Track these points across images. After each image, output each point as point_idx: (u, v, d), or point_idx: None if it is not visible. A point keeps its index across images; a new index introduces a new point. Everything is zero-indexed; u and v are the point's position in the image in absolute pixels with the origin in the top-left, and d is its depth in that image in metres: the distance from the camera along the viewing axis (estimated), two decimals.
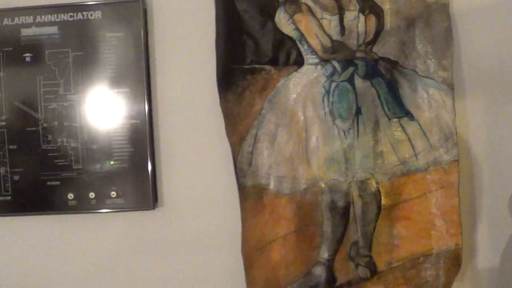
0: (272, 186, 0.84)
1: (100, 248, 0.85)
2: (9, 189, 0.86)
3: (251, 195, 0.84)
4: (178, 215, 0.84)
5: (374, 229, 0.84)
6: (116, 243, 0.85)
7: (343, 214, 0.85)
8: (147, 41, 0.85)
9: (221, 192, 0.84)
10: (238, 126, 0.84)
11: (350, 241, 0.84)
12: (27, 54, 0.86)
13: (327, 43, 0.85)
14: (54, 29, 0.85)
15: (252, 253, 0.83)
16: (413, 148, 0.84)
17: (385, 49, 0.85)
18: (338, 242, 0.85)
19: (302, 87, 0.85)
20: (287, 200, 0.84)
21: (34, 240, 0.86)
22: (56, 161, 0.85)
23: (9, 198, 0.86)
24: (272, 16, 0.85)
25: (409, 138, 0.85)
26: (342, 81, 0.85)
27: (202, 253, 0.84)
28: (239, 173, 0.83)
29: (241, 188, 0.83)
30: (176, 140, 0.85)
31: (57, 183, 0.85)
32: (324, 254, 0.84)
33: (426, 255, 0.83)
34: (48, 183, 0.85)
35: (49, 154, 0.85)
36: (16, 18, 0.86)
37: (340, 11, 0.86)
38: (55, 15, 0.86)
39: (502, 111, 0.83)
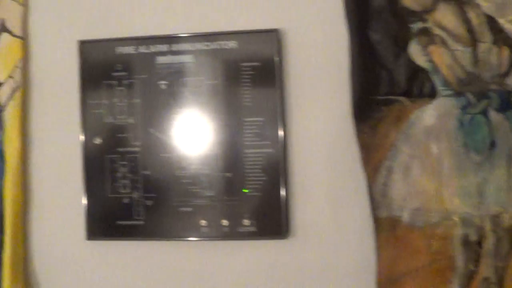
0: (405, 218, 0.89)
1: (231, 276, 0.92)
2: (142, 214, 0.92)
3: (385, 226, 0.89)
4: (311, 245, 0.90)
5: (507, 265, 0.88)
6: (247, 272, 0.92)
7: (475, 248, 0.88)
8: (282, 71, 0.90)
9: (354, 223, 0.90)
10: (372, 157, 0.89)
11: (482, 276, 0.88)
12: (162, 82, 0.92)
13: (461, 75, 0.89)
14: (189, 58, 0.92)
15: (386, 285, 0.88)
16: None
17: None
18: (469, 277, 0.89)
19: (435, 119, 0.90)
20: (420, 233, 0.89)
21: (164, 265, 0.94)
22: (189, 187, 0.92)
23: (141, 222, 0.93)
24: (405, 47, 0.90)
25: None
26: (476, 113, 0.89)
27: (334, 285, 0.89)
28: (374, 205, 0.88)
29: (376, 219, 0.88)
30: (309, 170, 0.92)
31: (190, 209, 0.92)
32: None
33: None
34: (181, 209, 0.92)
35: (182, 181, 0.92)
36: (152, 46, 0.92)
37: (474, 43, 0.90)
38: (191, 44, 0.91)
39: None
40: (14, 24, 1.00)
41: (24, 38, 1.00)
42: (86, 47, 0.98)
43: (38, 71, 1.00)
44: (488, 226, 0.92)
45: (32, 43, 1.00)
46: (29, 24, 1.00)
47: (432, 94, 0.92)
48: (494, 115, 0.92)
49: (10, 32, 1.00)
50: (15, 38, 1.00)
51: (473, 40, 0.93)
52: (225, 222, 0.94)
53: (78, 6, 0.99)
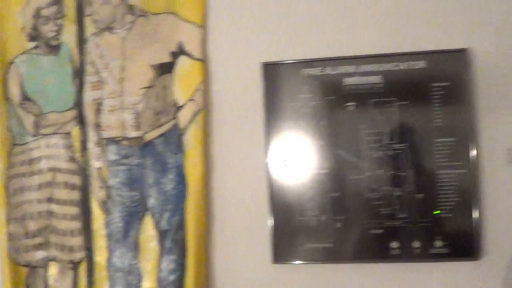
0: None
1: None
2: (330, 236, 0.95)
3: None
4: (503, 267, 0.94)
5: None
6: None
7: None
8: (472, 91, 0.93)
9: None
10: None
11: None
12: (350, 103, 0.96)
13: None
14: (377, 78, 0.96)
15: None
16: None
17: None
18: None
19: None
20: None
21: None
22: (380, 209, 0.96)
23: (330, 245, 0.96)
24: None
25: None
26: None
27: None
28: None
29: None
30: (503, 190, 0.97)
31: (381, 231, 0.96)
32: None
33: None
34: (371, 231, 0.96)
35: (372, 203, 0.95)
36: (338, 68, 0.96)
37: None
38: (379, 64, 0.95)
39: None
40: (193, 47, 1.05)
41: (203, 61, 1.03)
42: (270, 69, 1.03)
43: (219, 94, 1.05)
44: None
45: (212, 65, 1.03)
46: (208, 46, 1.03)
47: None
48: None
49: (189, 55, 1.04)
50: (194, 61, 1.04)
51: None
52: (416, 244, 0.98)
53: (260, 28, 1.04)
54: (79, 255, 1.11)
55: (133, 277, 1.08)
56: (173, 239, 1.06)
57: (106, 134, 1.09)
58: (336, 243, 1.01)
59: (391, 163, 1.00)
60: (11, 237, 1.12)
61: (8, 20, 1.13)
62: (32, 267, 1.13)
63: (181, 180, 1.06)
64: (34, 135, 1.13)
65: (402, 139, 1.00)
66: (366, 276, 1.02)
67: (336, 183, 1.01)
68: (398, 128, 1.01)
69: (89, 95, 1.10)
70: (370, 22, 1.02)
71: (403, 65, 1.00)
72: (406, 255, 0.99)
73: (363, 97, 1.01)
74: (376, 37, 1.02)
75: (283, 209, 1.02)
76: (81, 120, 1.10)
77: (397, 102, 1.00)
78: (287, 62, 1.03)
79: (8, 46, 1.13)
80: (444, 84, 1.00)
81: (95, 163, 1.10)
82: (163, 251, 1.07)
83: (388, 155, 1.01)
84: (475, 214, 0.98)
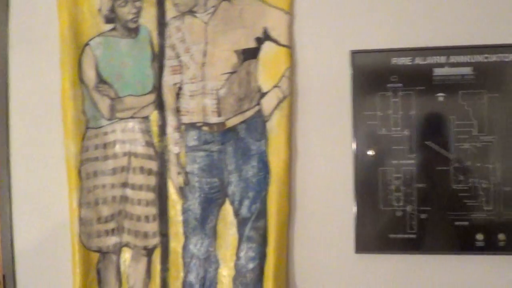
0: None
1: None
2: (415, 227, 0.96)
3: None
4: None
5: None
6: None
7: None
8: None
9: None
10: None
11: None
12: (440, 94, 0.97)
13: None
14: (468, 70, 0.97)
15: None
16: None
17: None
18: None
19: None
20: None
21: (436, 280, 1.02)
22: (466, 201, 0.97)
23: (413, 236, 0.97)
24: None
25: None
26: None
27: None
28: None
29: None
30: None
31: (465, 223, 0.97)
32: None
33: None
34: (456, 223, 0.98)
35: (459, 194, 0.98)
36: (429, 58, 0.96)
37: None
38: (469, 56, 0.96)
39: None
40: (279, 33, 1.05)
41: (290, 47, 1.03)
42: (359, 58, 1.03)
43: (305, 81, 1.06)
44: None
45: (298, 52, 1.03)
46: (294, 32, 1.03)
47: None
48: None
49: (275, 41, 1.04)
50: (280, 47, 1.05)
51: None
52: (501, 237, 0.99)
53: (348, 16, 1.06)
54: (153, 241, 1.12)
55: (210, 264, 1.08)
56: (253, 227, 1.06)
57: (186, 119, 1.10)
58: (420, 234, 1.03)
59: (479, 155, 1.02)
60: (82, 222, 1.13)
61: (84, 2, 1.13)
62: (103, 253, 1.14)
63: (263, 167, 1.06)
64: (109, 119, 1.13)
65: (490, 131, 1.02)
66: (449, 268, 1.04)
67: (423, 174, 1.03)
68: (486, 120, 1.02)
69: (168, 79, 1.10)
70: (461, 12, 1.03)
71: (493, 57, 1.02)
72: (491, 248, 1.01)
73: (452, 88, 1.02)
74: (467, 28, 1.03)
75: (367, 198, 1.04)
76: (160, 104, 1.11)
77: (487, 94, 1.02)
78: (376, 50, 1.04)
79: (84, 28, 1.13)
80: None
81: (174, 148, 1.10)
82: (242, 239, 1.07)
83: (476, 147, 1.02)
84: None
